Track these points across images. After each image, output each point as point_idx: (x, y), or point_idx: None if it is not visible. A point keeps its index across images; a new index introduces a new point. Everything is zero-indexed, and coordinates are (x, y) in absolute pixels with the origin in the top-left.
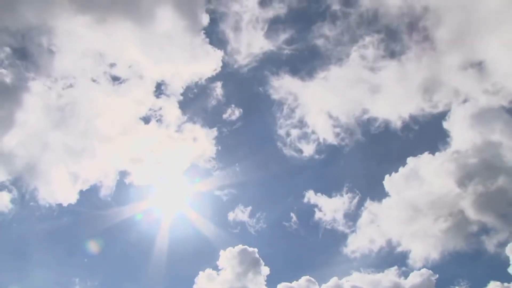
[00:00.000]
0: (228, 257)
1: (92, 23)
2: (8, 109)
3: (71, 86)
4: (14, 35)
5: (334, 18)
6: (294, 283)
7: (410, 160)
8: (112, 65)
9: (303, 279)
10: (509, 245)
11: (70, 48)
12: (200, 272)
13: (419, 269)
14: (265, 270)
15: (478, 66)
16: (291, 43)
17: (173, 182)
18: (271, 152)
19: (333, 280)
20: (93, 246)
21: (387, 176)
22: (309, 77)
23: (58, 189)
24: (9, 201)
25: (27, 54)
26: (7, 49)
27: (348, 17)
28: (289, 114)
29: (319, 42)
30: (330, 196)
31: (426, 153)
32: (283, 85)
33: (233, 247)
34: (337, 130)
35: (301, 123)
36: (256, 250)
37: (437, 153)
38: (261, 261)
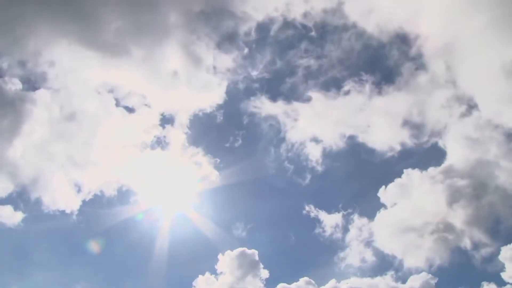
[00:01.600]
0: (227, 260)
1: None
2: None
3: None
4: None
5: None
6: (294, 285)
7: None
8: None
9: (302, 281)
10: (502, 250)
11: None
12: (200, 276)
13: (419, 273)
14: (264, 273)
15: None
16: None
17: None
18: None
19: (332, 282)
20: (94, 248)
21: (382, 189)
22: (304, 101)
23: (62, 197)
24: (17, 215)
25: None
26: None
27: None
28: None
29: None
30: (329, 212)
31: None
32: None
33: (232, 250)
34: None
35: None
36: (256, 252)
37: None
38: (260, 264)
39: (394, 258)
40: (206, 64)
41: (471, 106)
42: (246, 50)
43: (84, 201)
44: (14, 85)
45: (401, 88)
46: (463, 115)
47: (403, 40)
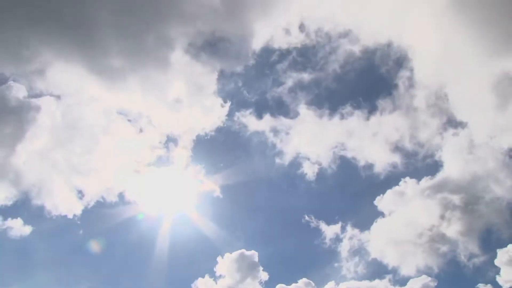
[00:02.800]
0: (226, 263)
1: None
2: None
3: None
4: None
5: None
6: (293, 285)
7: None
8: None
9: (301, 282)
10: (498, 254)
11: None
12: (200, 279)
13: (419, 276)
14: (264, 275)
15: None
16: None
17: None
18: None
19: (331, 284)
20: (94, 248)
21: (379, 197)
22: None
23: (64, 202)
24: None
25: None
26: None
27: None
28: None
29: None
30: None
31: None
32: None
33: (231, 253)
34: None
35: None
36: (256, 253)
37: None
38: (260, 266)
39: (391, 266)
40: (208, 88)
41: (462, 126)
42: (245, 74)
43: (86, 206)
44: (19, 91)
45: (394, 108)
46: (455, 134)
47: (395, 58)
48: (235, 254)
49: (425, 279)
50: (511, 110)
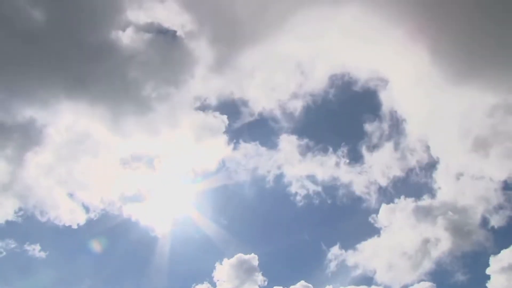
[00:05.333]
0: (225, 268)
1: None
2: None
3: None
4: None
5: None
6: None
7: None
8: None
9: (299, 284)
10: (491, 261)
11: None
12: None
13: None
14: (262, 280)
15: None
16: None
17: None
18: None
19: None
20: (96, 248)
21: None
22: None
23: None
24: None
25: None
26: None
27: None
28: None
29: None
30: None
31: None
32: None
33: (228, 258)
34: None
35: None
36: (256, 256)
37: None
38: (259, 270)
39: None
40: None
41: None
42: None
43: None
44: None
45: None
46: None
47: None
48: (234, 259)
49: (424, 285)
50: None
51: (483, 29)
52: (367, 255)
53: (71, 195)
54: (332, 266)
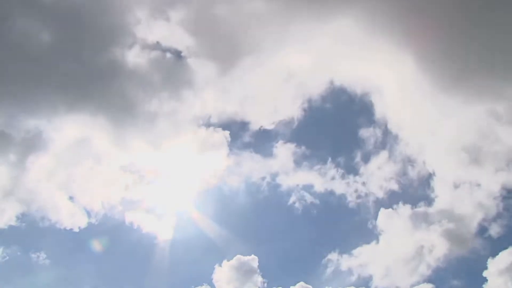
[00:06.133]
0: (225, 270)
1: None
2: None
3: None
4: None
5: None
6: None
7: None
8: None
9: (299, 285)
10: (489, 264)
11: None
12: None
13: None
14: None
15: None
16: None
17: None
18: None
19: None
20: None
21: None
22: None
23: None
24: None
25: None
26: None
27: None
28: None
29: None
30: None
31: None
32: None
33: (228, 260)
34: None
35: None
36: (256, 258)
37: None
38: (258, 271)
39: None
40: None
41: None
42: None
43: (89, 214)
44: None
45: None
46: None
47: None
48: (233, 261)
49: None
50: None
51: (473, 37)
52: (365, 259)
53: (72, 199)
54: (330, 270)
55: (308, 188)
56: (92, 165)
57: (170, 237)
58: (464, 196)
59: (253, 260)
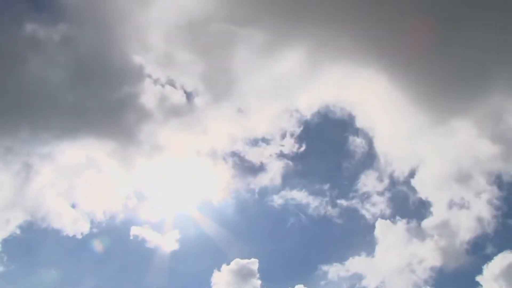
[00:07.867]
0: (224, 274)
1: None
2: None
3: None
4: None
5: None
6: None
7: None
8: None
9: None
10: (485, 269)
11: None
12: None
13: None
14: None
15: None
16: None
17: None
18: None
19: None
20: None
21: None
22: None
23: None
24: None
25: None
26: None
27: None
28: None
29: None
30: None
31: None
32: None
33: (227, 264)
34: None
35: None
36: (256, 260)
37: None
38: (257, 274)
39: None
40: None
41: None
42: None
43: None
44: None
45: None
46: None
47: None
48: (232, 264)
49: None
50: None
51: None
52: (361, 268)
53: (74, 207)
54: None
55: (302, 206)
56: (94, 175)
57: (169, 243)
58: (458, 215)
59: (252, 263)
